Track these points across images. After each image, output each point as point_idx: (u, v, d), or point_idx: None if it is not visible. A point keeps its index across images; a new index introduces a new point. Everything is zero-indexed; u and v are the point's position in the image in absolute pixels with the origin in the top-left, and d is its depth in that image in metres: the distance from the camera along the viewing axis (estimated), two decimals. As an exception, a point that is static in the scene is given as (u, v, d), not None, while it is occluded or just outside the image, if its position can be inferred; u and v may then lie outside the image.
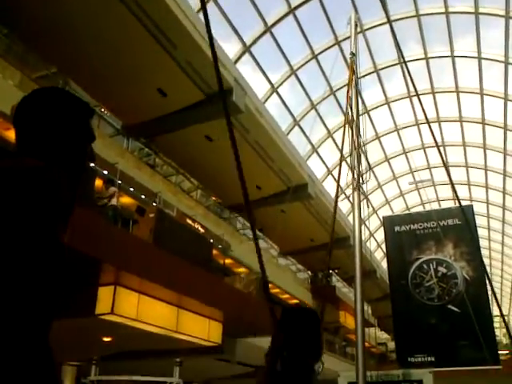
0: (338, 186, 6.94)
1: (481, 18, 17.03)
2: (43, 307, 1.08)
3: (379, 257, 30.79)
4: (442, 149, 25.61)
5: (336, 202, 6.89)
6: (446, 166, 10.42)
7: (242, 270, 19.33)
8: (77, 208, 1.32)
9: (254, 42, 15.95)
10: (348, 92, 6.27)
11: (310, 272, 27.77)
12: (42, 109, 1.29)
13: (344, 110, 7.41)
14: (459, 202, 9.76)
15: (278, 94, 18.55)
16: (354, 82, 6.66)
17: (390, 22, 17.90)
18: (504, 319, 20.04)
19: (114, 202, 10.56)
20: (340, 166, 6.96)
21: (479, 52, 18.46)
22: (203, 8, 2.84)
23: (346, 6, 16.71)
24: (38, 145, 1.25)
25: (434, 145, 24.51)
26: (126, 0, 10.65)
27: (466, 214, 15.16)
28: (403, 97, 22.01)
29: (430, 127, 8.64)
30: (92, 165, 10.81)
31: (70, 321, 7.09)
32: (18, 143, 1.28)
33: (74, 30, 11.49)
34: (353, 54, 6.96)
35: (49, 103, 1.30)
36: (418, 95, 9.50)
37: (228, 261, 17.71)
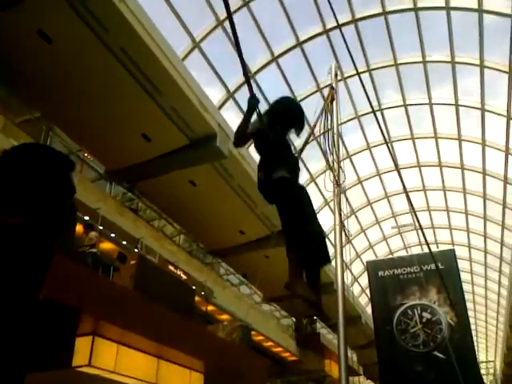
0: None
1: (457, 66, 17.65)
2: (14, 364, 1.04)
3: (364, 302, 30.51)
4: (423, 193, 26.02)
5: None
6: (414, 211, 10.53)
7: (225, 317, 18.93)
8: (55, 255, 1.28)
9: (238, 88, 16.21)
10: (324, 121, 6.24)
11: (293, 318, 27.31)
12: (22, 165, 1.29)
13: (327, 155, 7.44)
14: (428, 247, 9.77)
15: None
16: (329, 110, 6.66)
17: (369, 70, 18.48)
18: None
19: (93, 250, 10.34)
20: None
21: (456, 99, 19.02)
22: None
23: (328, 54, 17.24)
24: (17, 200, 1.23)
25: (416, 189, 24.94)
26: (112, 47, 10.79)
27: (448, 259, 15.25)
28: (383, 142, 22.44)
29: (398, 172, 8.71)
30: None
31: (45, 374, 6.78)
32: None
33: (58, 76, 11.56)
34: (332, 88, 7.05)
35: (28, 159, 1.30)
36: (386, 143, 9.61)
37: (211, 308, 17.36)
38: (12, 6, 9.07)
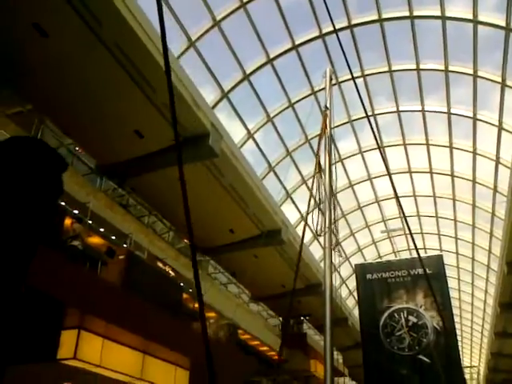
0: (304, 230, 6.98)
1: (450, 75, 17.82)
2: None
3: (351, 305, 30.67)
4: (413, 199, 26.21)
5: (301, 248, 6.92)
6: (404, 216, 10.64)
7: (211, 314, 18.96)
8: (42, 248, 1.31)
9: (232, 88, 16.27)
10: (319, 145, 6.40)
11: (281, 318, 27.41)
12: (16, 159, 1.28)
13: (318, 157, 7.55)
14: (417, 251, 9.87)
15: (254, 139, 18.81)
16: (326, 135, 6.81)
17: (363, 75, 18.61)
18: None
19: (76, 242, 10.28)
20: (304, 215, 7.02)
21: (449, 108, 19.21)
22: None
23: (323, 57, 17.36)
24: (7, 194, 1.23)
25: (406, 195, 25.11)
26: (106, 42, 10.80)
27: (436, 264, 15.38)
28: (375, 147, 22.58)
29: (391, 179, 8.81)
30: (62, 203, 10.66)
31: (29, 366, 6.80)
32: None
33: (52, 70, 11.55)
34: (326, 108, 7.16)
35: (23, 154, 1.29)
36: (379, 148, 9.73)
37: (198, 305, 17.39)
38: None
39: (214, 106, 15.84)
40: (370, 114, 19.47)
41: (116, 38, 10.71)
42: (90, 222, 12.06)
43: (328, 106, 6.84)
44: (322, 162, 6.76)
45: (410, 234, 9.90)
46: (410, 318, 14.37)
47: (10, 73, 11.66)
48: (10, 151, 1.31)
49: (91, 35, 10.48)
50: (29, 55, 11.08)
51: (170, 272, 15.08)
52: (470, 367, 42.37)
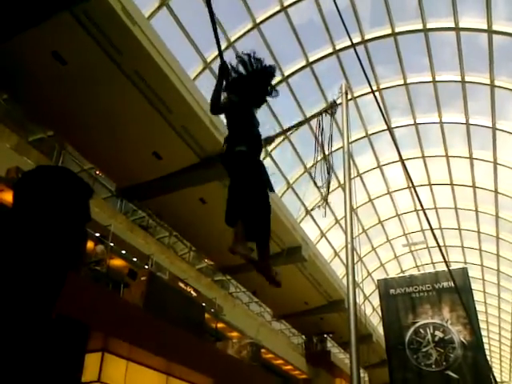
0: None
1: (467, 86, 17.70)
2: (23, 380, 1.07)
3: (375, 322, 30.20)
4: (434, 212, 25.86)
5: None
6: (431, 227, 10.46)
7: (234, 334, 18.86)
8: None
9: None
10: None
11: (304, 336, 27.11)
12: (43, 189, 1.28)
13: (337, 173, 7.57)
14: (446, 263, 9.73)
15: (271, 156, 18.87)
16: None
17: (379, 90, 18.59)
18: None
19: (99, 267, 10.42)
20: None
21: (467, 118, 19.04)
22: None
23: (337, 73, 17.43)
24: (36, 224, 1.24)
25: (428, 207, 24.79)
26: (125, 69, 11.03)
27: (461, 277, 15.11)
28: (394, 161, 22.43)
29: (415, 192, 8.75)
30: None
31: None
32: (15, 212, 1.27)
33: (71, 96, 11.81)
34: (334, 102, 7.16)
35: (49, 183, 1.30)
36: (402, 161, 9.67)
37: (220, 325, 17.32)
38: (28, 29, 9.32)
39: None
40: (386, 128, 19.40)
41: (135, 65, 10.96)
42: (112, 244, 12.18)
43: (336, 100, 6.91)
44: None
45: (438, 244, 9.74)
46: (437, 333, 14.09)
47: (31, 99, 11.96)
48: (37, 180, 1.34)
49: (111, 64, 10.73)
50: (49, 83, 11.35)
51: (192, 292, 15.09)
52: (501, 382, 41.19)
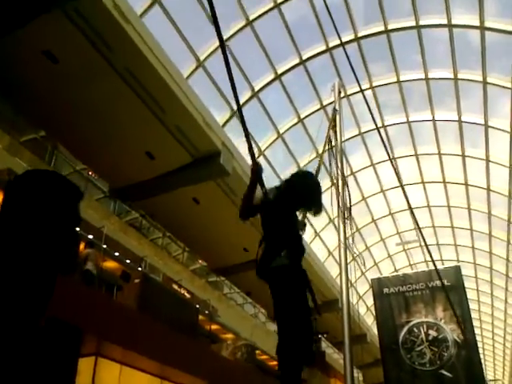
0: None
1: (459, 83, 17.69)
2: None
3: (369, 321, 30.21)
4: (427, 210, 25.89)
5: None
6: (418, 227, 10.46)
7: (229, 335, 18.75)
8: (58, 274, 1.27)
9: (242, 106, 16.27)
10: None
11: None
12: (33, 190, 1.29)
13: (329, 172, 7.48)
14: (433, 263, 9.70)
15: (264, 156, 18.77)
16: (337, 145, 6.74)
17: (372, 87, 18.56)
18: None
19: (89, 265, 10.23)
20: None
21: (459, 116, 19.04)
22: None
23: (331, 71, 17.35)
24: (26, 227, 1.23)
25: (420, 206, 24.83)
26: (117, 67, 10.88)
27: (454, 275, 15.11)
28: (387, 159, 22.39)
29: (403, 191, 8.70)
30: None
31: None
32: (4, 216, 1.26)
33: (63, 95, 11.63)
34: (335, 110, 7.13)
35: (40, 187, 1.30)
36: (390, 160, 9.62)
37: (215, 326, 17.21)
38: (15, 30, 9.12)
39: (224, 124, 15.86)
40: (379, 125, 19.34)
41: (126, 63, 10.80)
42: (105, 246, 12.03)
43: (337, 107, 6.85)
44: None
45: (425, 244, 9.73)
46: (430, 332, 14.09)
47: (22, 99, 11.77)
48: (27, 184, 1.31)
49: (103, 61, 10.57)
50: (40, 82, 11.18)
51: (186, 294, 14.97)
52: (494, 380, 41.38)
